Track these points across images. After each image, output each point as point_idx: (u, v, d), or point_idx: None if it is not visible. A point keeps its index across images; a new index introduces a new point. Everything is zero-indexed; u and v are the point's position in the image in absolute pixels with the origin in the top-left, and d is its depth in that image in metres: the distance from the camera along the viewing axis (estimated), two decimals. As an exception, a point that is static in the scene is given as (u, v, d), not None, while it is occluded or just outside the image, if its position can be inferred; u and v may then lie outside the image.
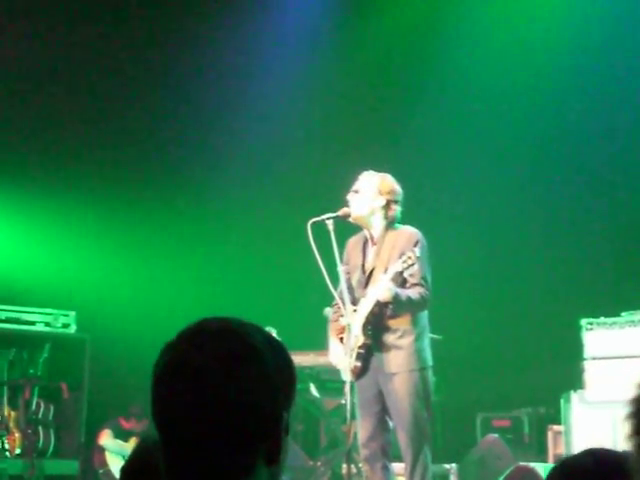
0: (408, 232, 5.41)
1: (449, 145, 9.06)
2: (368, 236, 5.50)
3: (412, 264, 5.12)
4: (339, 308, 5.43)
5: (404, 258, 5.14)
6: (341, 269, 5.36)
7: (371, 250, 5.49)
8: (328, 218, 5.37)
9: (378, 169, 5.59)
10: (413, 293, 5.26)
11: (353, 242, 5.58)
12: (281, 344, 1.59)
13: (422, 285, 5.29)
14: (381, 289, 5.16)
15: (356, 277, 5.48)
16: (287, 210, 8.59)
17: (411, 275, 5.26)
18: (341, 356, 5.37)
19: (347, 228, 5.59)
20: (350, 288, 5.45)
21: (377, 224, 5.45)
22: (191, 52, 9.42)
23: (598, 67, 8.67)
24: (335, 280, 5.36)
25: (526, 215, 8.98)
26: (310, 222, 5.32)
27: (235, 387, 1.47)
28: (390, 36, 9.33)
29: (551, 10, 8.89)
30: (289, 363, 1.58)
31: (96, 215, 9.04)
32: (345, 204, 5.44)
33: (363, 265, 5.48)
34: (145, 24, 9.31)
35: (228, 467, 1.48)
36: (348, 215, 5.42)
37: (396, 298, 5.17)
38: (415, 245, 5.28)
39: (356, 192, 5.45)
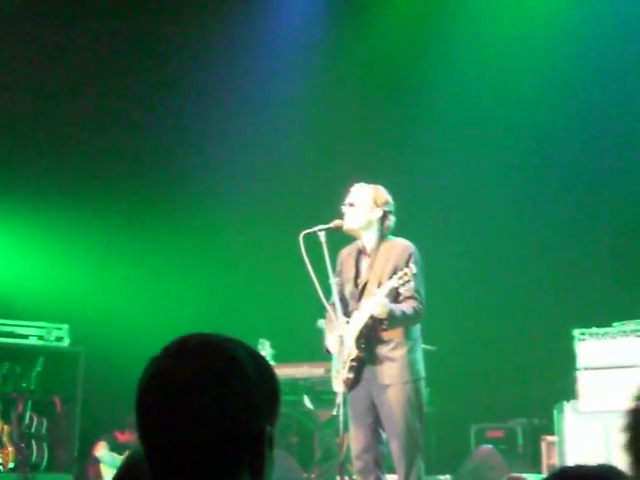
0: (402, 245, 5.42)
1: (444, 156, 9.07)
2: (361, 247, 5.51)
3: (408, 281, 5.13)
4: (331, 319, 5.44)
5: (400, 274, 5.15)
6: (333, 280, 5.36)
7: (364, 262, 5.49)
8: (320, 230, 5.38)
9: (372, 179, 5.61)
10: (407, 307, 5.26)
11: (346, 253, 5.58)
12: (263, 359, 1.60)
13: (416, 299, 5.30)
14: (376, 304, 5.16)
15: (349, 289, 5.48)
16: (280, 222, 8.59)
17: (405, 289, 5.27)
18: (336, 349, 5.35)
19: (339, 240, 5.60)
20: (343, 300, 5.45)
21: (372, 236, 5.46)
22: (187, 61, 9.44)
23: (599, 70, 8.71)
24: (327, 292, 5.37)
25: (519, 227, 9.01)
26: (302, 234, 5.33)
27: (215, 401, 1.49)
28: (388, 44, 9.33)
29: (552, 12, 8.91)
30: (271, 377, 1.59)
31: (89, 229, 9.04)
32: (340, 217, 5.45)
33: (356, 278, 5.48)
34: (141, 32, 9.33)
35: (209, 479, 1.49)
36: (340, 227, 5.43)
37: (390, 314, 5.18)
38: (409, 258, 5.29)
39: (351, 205, 5.45)
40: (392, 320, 5.22)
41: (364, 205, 5.43)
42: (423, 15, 9.24)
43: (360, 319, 5.27)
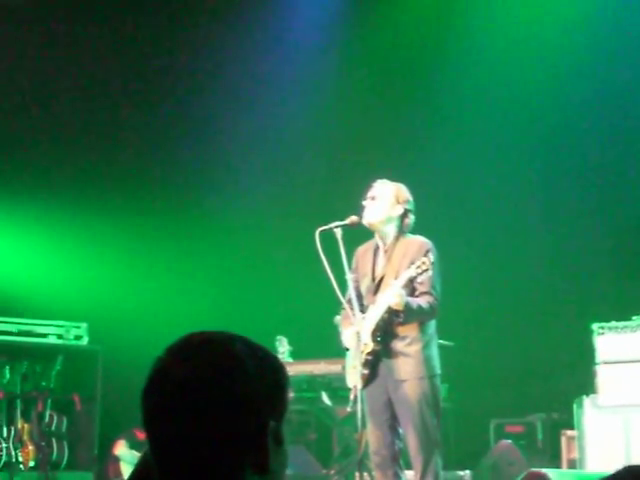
0: (419, 241, 5.42)
1: (459, 153, 9.05)
2: (379, 244, 5.51)
3: (426, 269, 5.13)
4: (347, 316, 5.44)
5: (418, 264, 5.15)
6: (349, 277, 5.36)
7: (382, 258, 5.49)
8: (336, 226, 5.38)
9: (387, 177, 5.60)
10: (423, 302, 5.26)
11: (362, 250, 5.59)
12: (268, 355, 1.60)
13: (431, 294, 5.30)
14: (393, 295, 5.17)
15: (365, 284, 5.48)
16: (296, 219, 8.60)
17: (421, 283, 5.26)
18: (353, 345, 5.35)
19: (355, 236, 5.60)
20: (359, 296, 5.46)
21: (390, 232, 5.46)
22: (198, 61, 9.45)
23: (608, 71, 8.68)
24: (343, 288, 5.37)
25: (536, 221, 8.98)
26: (318, 230, 5.33)
27: (216, 397, 1.50)
28: (399, 43, 9.32)
29: (560, 13, 8.88)
30: (275, 372, 1.58)
31: (107, 227, 9.06)
32: (356, 213, 5.44)
33: (373, 272, 5.48)
34: (152, 34, 9.35)
35: (214, 476, 1.50)
36: (356, 223, 5.42)
37: (407, 306, 5.19)
38: (426, 254, 5.29)
39: (373, 199, 5.45)
40: (408, 313, 5.22)
41: (386, 200, 5.43)
42: (439, 9, 9.22)
43: (377, 312, 5.28)
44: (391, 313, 5.26)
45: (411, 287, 5.29)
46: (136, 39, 9.32)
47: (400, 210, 5.44)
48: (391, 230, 5.46)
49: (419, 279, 5.23)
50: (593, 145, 8.77)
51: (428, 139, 9.15)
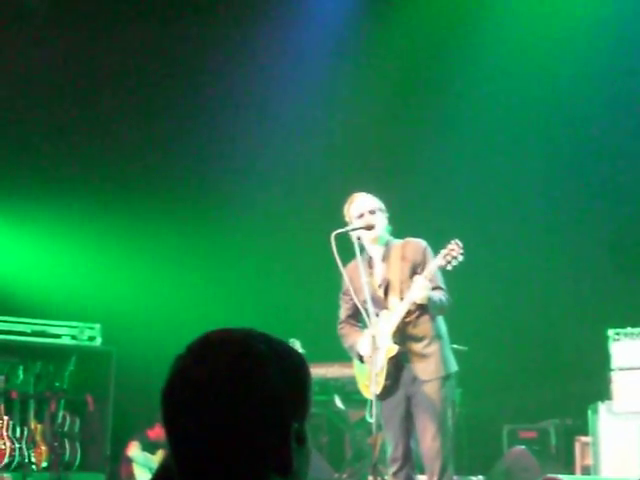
0: (413, 242, 5.45)
1: (469, 156, 9.02)
2: (373, 254, 5.49)
3: (456, 256, 5.13)
4: (353, 330, 5.46)
5: (446, 251, 5.14)
6: (342, 299, 5.39)
7: (379, 266, 5.47)
8: (352, 229, 5.37)
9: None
10: (442, 295, 5.28)
11: (352, 267, 5.49)
12: (289, 353, 1.56)
13: (442, 289, 5.32)
14: (420, 287, 5.14)
15: (369, 294, 5.42)
16: (312, 221, 8.59)
17: (430, 280, 5.26)
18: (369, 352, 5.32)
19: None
20: (355, 313, 5.48)
21: (385, 240, 5.47)
22: (212, 61, 9.46)
23: (614, 71, 8.64)
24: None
25: (552, 226, 8.94)
26: (334, 234, 5.31)
27: (236, 398, 1.48)
28: (409, 47, 9.31)
29: (571, 14, 8.85)
30: (298, 372, 1.55)
31: (121, 228, 9.08)
32: (370, 227, 5.41)
33: (373, 282, 5.46)
34: (165, 34, 9.37)
35: (236, 478, 1.48)
36: (372, 227, 5.41)
37: (430, 299, 5.18)
38: (425, 251, 5.35)
39: (373, 212, 5.43)
40: (433, 306, 5.24)
41: (380, 212, 5.45)
42: (451, 13, 9.20)
43: (397, 314, 5.26)
44: (416, 310, 5.24)
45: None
46: (144, 39, 9.33)
47: (386, 217, 5.49)
48: (386, 238, 5.47)
49: (431, 278, 5.22)
50: (609, 149, 8.73)
51: (438, 143, 9.12)
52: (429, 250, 5.37)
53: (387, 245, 5.45)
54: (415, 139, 9.23)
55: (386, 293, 5.40)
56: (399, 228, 5.56)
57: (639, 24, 8.57)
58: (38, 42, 9.00)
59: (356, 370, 5.61)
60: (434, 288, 5.29)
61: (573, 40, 8.67)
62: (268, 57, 9.47)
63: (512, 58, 8.92)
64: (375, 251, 5.48)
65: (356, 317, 5.52)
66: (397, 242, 5.47)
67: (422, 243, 5.41)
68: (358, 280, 5.37)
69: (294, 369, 1.55)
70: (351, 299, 5.45)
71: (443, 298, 5.29)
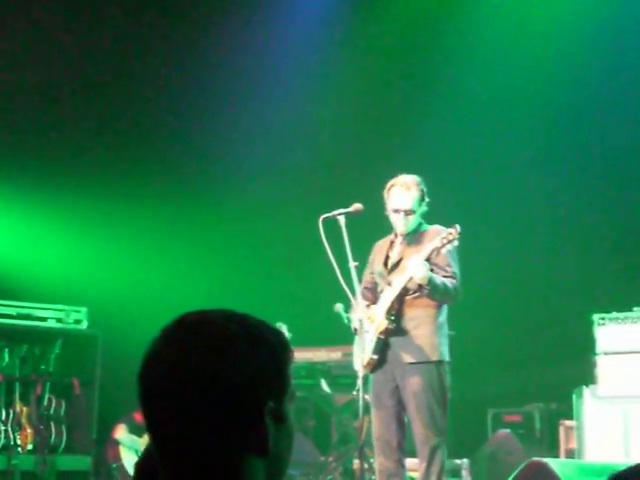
0: (437, 228, 5.43)
1: (462, 143, 9.02)
2: (394, 235, 5.51)
3: (452, 240, 5.11)
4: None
5: (443, 234, 5.14)
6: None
7: (398, 245, 5.49)
8: (340, 214, 5.37)
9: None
10: (448, 281, 5.26)
11: (380, 243, 5.61)
12: (265, 333, 1.55)
13: (453, 277, 5.30)
14: (415, 265, 5.13)
15: (378, 270, 5.48)
16: (299, 205, 8.59)
17: (441, 268, 5.26)
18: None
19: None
20: (374, 286, 5.49)
21: (409, 230, 5.47)
22: (203, 52, 9.43)
23: (615, 65, 8.65)
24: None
25: (537, 211, 8.96)
26: (321, 218, 5.32)
27: (206, 377, 1.47)
28: (404, 33, 9.30)
29: (569, 6, 8.85)
30: (273, 351, 1.54)
31: (108, 211, 9.05)
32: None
33: (386, 258, 5.49)
34: (156, 29, 9.34)
35: (212, 459, 1.48)
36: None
37: (432, 280, 5.16)
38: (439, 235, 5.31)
39: (410, 213, 5.40)
40: (433, 288, 5.19)
41: (418, 209, 5.43)
42: (442, 7, 9.19)
43: (394, 290, 5.27)
44: (415, 291, 5.24)
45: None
46: (139, 32, 9.31)
47: (424, 209, 5.48)
48: (412, 228, 5.48)
49: (440, 263, 5.21)
50: (596, 139, 8.74)
51: (430, 131, 9.11)
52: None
53: (414, 230, 5.45)
54: (407, 125, 9.24)
55: (393, 270, 5.40)
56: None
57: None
58: (39, 37, 8.96)
59: (354, 344, 5.60)
60: (445, 276, 5.27)
61: (576, 28, 8.66)
62: (258, 49, 9.44)
63: (508, 48, 8.90)
64: (397, 233, 5.51)
65: (374, 290, 5.53)
66: (425, 228, 5.48)
67: (443, 229, 5.36)
68: (379, 256, 5.44)
69: (269, 349, 1.53)
70: (371, 272, 5.47)
71: (448, 283, 5.25)
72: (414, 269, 5.13)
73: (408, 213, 5.40)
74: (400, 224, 5.42)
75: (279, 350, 1.55)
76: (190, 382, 1.47)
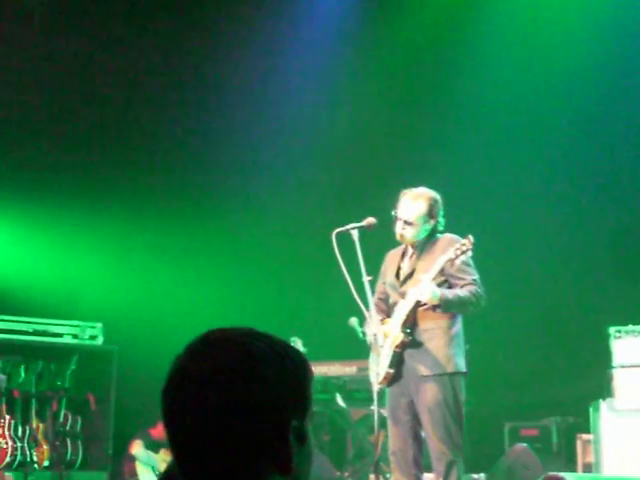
0: (449, 237, 5.40)
1: (476, 151, 9.01)
2: (406, 247, 5.50)
3: (466, 251, 5.09)
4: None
5: (457, 246, 5.12)
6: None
7: (410, 255, 5.47)
8: (353, 228, 5.37)
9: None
10: (462, 291, 5.23)
11: (392, 254, 5.59)
12: (289, 352, 1.56)
13: (473, 283, 5.27)
14: (424, 290, 5.13)
15: (389, 282, 5.47)
16: (312, 221, 8.59)
17: (459, 278, 5.24)
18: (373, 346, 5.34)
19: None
20: (387, 298, 5.48)
21: (423, 237, 5.46)
22: (213, 59, 9.46)
23: (624, 68, 8.64)
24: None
25: (553, 223, 8.93)
26: (335, 232, 5.32)
27: (235, 396, 1.48)
28: (418, 39, 9.29)
29: (582, 9, 8.84)
30: (297, 371, 1.55)
31: (123, 228, 9.08)
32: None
33: (398, 269, 5.47)
34: (166, 38, 9.37)
35: (235, 477, 1.48)
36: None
37: (443, 298, 5.15)
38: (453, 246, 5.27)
39: (409, 224, 5.39)
40: (446, 305, 5.18)
41: (420, 222, 5.39)
42: (456, 13, 9.19)
43: (407, 304, 5.25)
44: (418, 307, 5.23)
45: (447, 286, 5.27)
46: (146, 36, 9.33)
47: (433, 222, 5.43)
48: (419, 238, 5.45)
49: (456, 274, 5.21)
50: (614, 151, 8.71)
51: (441, 140, 9.11)
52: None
53: (428, 238, 5.43)
54: (420, 134, 9.24)
55: (405, 282, 5.40)
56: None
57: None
58: (39, 43, 9.01)
59: (370, 358, 5.58)
60: (464, 285, 5.25)
61: (585, 32, 8.65)
62: (272, 51, 9.46)
63: (519, 53, 8.91)
64: (409, 245, 5.49)
65: (387, 301, 5.54)
66: (436, 237, 5.44)
67: (457, 239, 5.33)
68: (391, 269, 5.44)
69: (294, 368, 1.55)
70: (383, 283, 5.48)
71: (463, 294, 5.21)
72: (423, 295, 5.13)
73: (407, 223, 5.39)
74: (397, 231, 5.41)
75: (302, 368, 1.56)
76: (218, 400, 1.48)
